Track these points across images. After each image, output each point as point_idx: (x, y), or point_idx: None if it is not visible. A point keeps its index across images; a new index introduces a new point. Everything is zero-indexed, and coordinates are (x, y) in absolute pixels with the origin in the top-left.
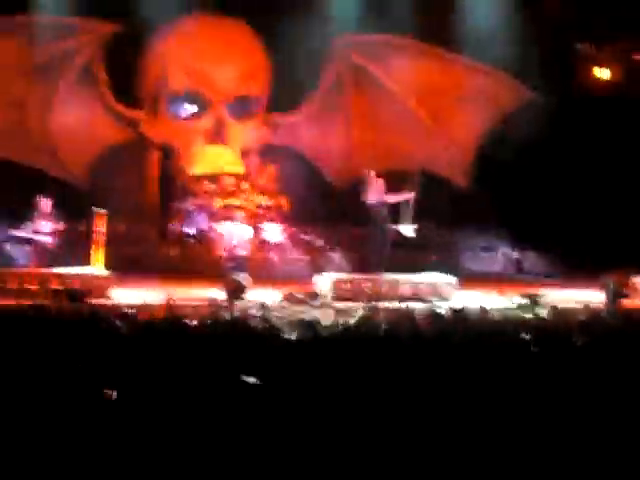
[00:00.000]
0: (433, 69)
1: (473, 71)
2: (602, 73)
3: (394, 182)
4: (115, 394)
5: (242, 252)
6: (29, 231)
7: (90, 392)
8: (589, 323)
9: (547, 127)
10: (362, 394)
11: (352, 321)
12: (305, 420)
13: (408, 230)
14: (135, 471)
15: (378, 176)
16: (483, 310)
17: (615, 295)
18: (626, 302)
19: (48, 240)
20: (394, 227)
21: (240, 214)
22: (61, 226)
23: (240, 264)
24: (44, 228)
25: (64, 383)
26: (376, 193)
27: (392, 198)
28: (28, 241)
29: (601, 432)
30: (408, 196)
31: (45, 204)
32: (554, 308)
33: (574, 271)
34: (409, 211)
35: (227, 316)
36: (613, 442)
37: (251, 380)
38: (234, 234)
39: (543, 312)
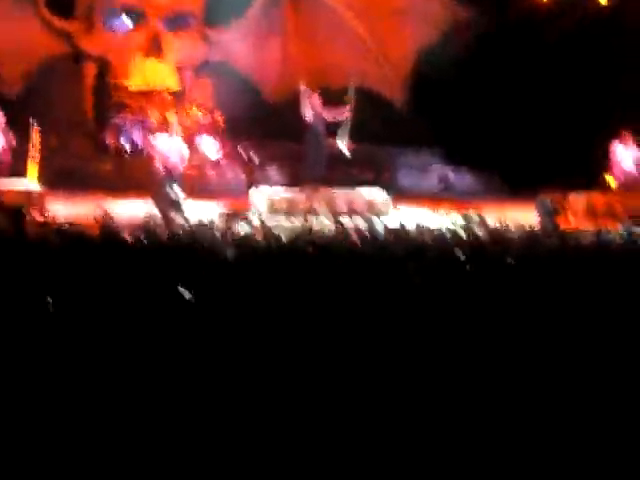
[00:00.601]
0: None
1: None
2: None
3: (331, 98)
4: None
5: (177, 166)
6: None
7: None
8: (523, 242)
9: (482, 46)
10: (293, 310)
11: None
12: (237, 337)
13: (343, 147)
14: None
15: (314, 91)
16: (418, 227)
17: (550, 213)
18: (562, 221)
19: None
20: (330, 142)
21: (175, 128)
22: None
23: (175, 178)
24: None
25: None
26: (312, 108)
27: (328, 114)
28: None
29: (532, 353)
30: (344, 113)
31: None
32: (488, 227)
33: (510, 190)
34: (345, 128)
35: (161, 230)
36: (543, 362)
37: (186, 295)
38: (169, 148)
39: (477, 231)
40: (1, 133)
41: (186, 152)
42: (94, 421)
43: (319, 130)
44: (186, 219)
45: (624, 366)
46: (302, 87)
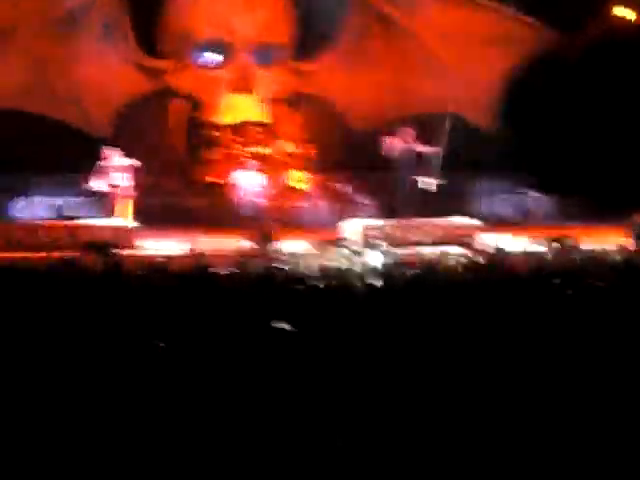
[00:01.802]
0: (454, 12)
1: (496, 14)
2: (625, 13)
3: (422, 126)
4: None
5: (260, 200)
6: (104, 184)
7: (127, 345)
8: (621, 265)
9: (570, 70)
10: (396, 338)
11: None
12: (335, 366)
13: (431, 184)
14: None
15: (405, 123)
16: (515, 253)
17: None
18: None
19: (123, 192)
20: (418, 179)
21: (254, 163)
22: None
23: (258, 211)
24: (118, 181)
25: (98, 336)
26: (404, 141)
27: (420, 148)
28: (103, 194)
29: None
30: (435, 150)
31: (116, 158)
32: (583, 251)
33: (600, 214)
34: (435, 165)
35: (257, 265)
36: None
37: (283, 326)
38: (250, 182)
39: (572, 255)
40: (124, 176)
41: (273, 186)
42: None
43: (410, 162)
44: (281, 252)
45: None
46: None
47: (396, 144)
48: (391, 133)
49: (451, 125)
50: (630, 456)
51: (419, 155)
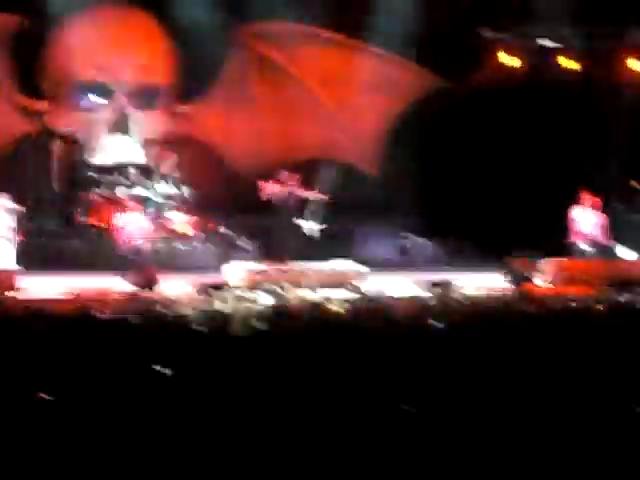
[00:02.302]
0: (339, 57)
1: (378, 58)
2: (507, 59)
3: (301, 170)
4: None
5: (140, 242)
6: None
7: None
8: (502, 310)
9: (453, 114)
10: (273, 384)
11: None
12: (217, 409)
13: (313, 230)
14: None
15: (287, 167)
16: (392, 298)
17: (518, 278)
18: (531, 285)
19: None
20: (300, 223)
21: (133, 204)
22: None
23: (139, 254)
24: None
25: None
26: (284, 186)
27: (301, 192)
28: None
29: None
30: (319, 195)
31: (2, 200)
32: (464, 295)
33: (478, 257)
34: (318, 210)
35: (137, 308)
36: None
37: (164, 371)
38: (131, 224)
39: (452, 299)
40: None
41: (147, 227)
42: None
43: (289, 205)
44: (162, 295)
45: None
46: (279, 172)
47: (277, 188)
48: (273, 177)
49: (333, 170)
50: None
51: (301, 200)
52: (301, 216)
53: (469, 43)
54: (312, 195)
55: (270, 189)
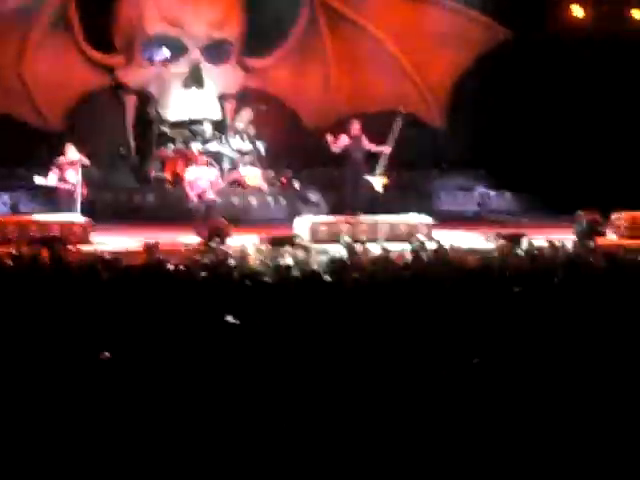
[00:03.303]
0: (407, 10)
1: (446, 10)
2: (576, 11)
3: (370, 123)
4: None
5: (211, 196)
6: (55, 179)
7: (77, 345)
8: (565, 261)
9: (522, 66)
10: (337, 336)
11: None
12: (283, 360)
13: (377, 183)
14: (128, 417)
15: (355, 119)
16: (462, 250)
17: (587, 232)
18: (601, 240)
19: (74, 188)
20: (365, 177)
21: (206, 159)
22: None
23: (211, 208)
24: (70, 177)
25: (49, 336)
26: (352, 137)
27: (369, 146)
28: (54, 189)
29: (583, 371)
30: (385, 149)
31: (70, 152)
32: (532, 247)
33: (551, 212)
34: (383, 163)
35: (207, 260)
36: (591, 378)
37: (232, 320)
38: (204, 178)
39: (522, 252)
40: (75, 171)
41: (218, 181)
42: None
43: (358, 158)
44: (229, 247)
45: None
46: (350, 122)
47: (346, 140)
48: (342, 131)
49: (404, 123)
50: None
51: (370, 152)
52: (370, 170)
53: None
54: (381, 148)
55: (340, 141)
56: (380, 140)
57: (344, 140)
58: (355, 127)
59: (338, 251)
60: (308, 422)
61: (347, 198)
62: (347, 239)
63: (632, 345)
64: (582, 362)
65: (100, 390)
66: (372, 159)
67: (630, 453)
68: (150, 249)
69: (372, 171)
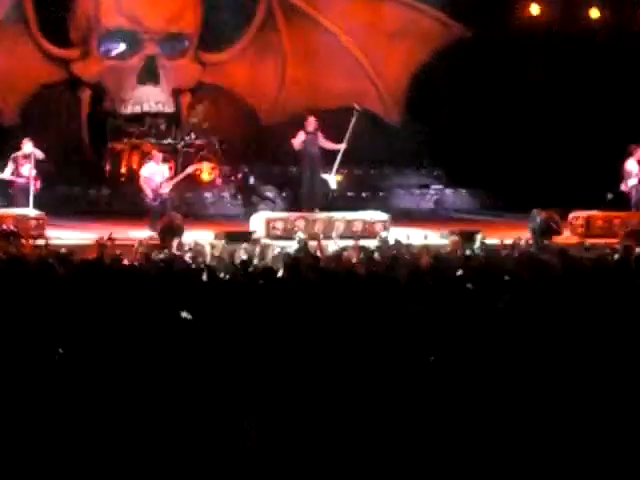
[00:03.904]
0: (365, 6)
1: (404, 7)
2: (535, 9)
3: (326, 120)
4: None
5: (165, 190)
6: (9, 173)
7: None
8: (518, 259)
9: (478, 62)
10: (291, 332)
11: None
12: (237, 354)
13: (332, 181)
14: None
15: (311, 114)
16: (416, 247)
17: (543, 230)
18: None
19: (28, 182)
20: (321, 175)
21: (161, 154)
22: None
23: (164, 203)
24: (25, 170)
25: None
26: (307, 133)
27: (325, 144)
28: (8, 183)
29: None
30: (340, 146)
31: (26, 147)
32: (485, 244)
33: (508, 209)
34: (338, 160)
35: (160, 255)
36: (545, 374)
37: (186, 316)
38: (158, 174)
39: (475, 249)
40: (30, 162)
41: (170, 176)
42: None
43: (314, 155)
44: (183, 244)
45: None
46: (307, 117)
47: (302, 136)
48: (297, 127)
49: (359, 119)
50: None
51: (325, 150)
52: (325, 166)
53: None
54: (336, 146)
55: (298, 138)
56: (337, 137)
57: (301, 136)
58: (311, 123)
59: (292, 247)
60: (259, 416)
61: (303, 195)
62: (301, 236)
63: (585, 340)
64: (534, 357)
65: (55, 386)
66: (328, 156)
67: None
68: (103, 244)
69: (327, 168)
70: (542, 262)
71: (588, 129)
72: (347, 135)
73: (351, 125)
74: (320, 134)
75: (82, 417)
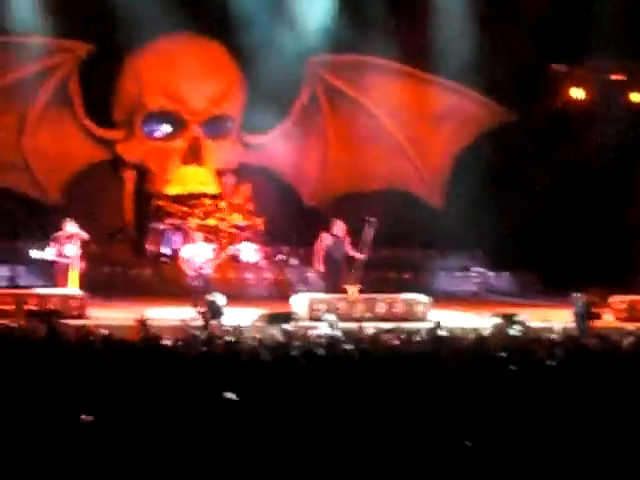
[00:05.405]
0: (408, 89)
1: (448, 90)
2: (576, 93)
3: (369, 202)
4: (91, 418)
5: (207, 271)
6: (52, 253)
7: (68, 417)
8: (561, 342)
9: (521, 146)
10: (337, 414)
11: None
12: (281, 436)
13: (352, 291)
14: None
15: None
16: (460, 330)
17: (584, 315)
18: (601, 322)
19: (72, 262)
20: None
21: (201, 234)
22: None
23: (206, 283)
24: (68, 251)
25: (40, 408)
26: (336, 239)
27: (349, 251)
28: (51, 263)
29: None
30: (360, 256)
31: (68, 226)
32: (527, 327)
33: (550, 292)
34: (358, 270)
35: (202, 336)
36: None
37: (231, 396)
38: (201, 255)
39: (517, 332)
40: (73, 242)
41: (213, 256)
42: None
43: (338, 260)
44: (224, 325)
45: None
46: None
47: (330, 240)
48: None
49: (402, 202)
50: None
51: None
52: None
53: (538, 75)
54: (357, 255)
55: (322, 241)
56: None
57: (327, 240)
58: (339, 227)
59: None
60: None
61: (344, 276)
62: (331, 318)
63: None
64: (580, 442)
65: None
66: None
67: None
68: (144, 324)
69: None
70: (584, 346)
71: (627, 208)
72: (364, 245)
73: (367, 236)
74: (348, 239)
75: None
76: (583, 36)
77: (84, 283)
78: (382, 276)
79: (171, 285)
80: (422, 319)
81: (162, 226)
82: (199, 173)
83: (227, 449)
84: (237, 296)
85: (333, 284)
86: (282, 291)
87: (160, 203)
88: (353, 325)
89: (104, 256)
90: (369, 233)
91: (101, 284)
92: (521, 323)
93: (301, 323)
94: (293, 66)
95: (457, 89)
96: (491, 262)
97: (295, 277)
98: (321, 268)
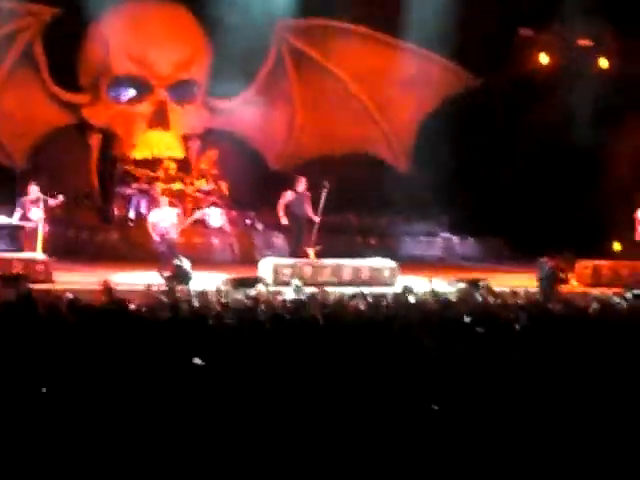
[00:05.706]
0: (374, 54)
1: (414, 56)
2: (544, 58)
3: (335, 166)
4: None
5: (172, 236)
6: (18, 218)
7: (31, 383)
8: (527, 307)
9: (488, 111)
10: (304, 379)
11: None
12: (247, 401)
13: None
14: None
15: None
16: (426, 295)
17: (550, 279)
18: (564, 287)
19: (37, 226)
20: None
21: (167, 198)
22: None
23: (170, 248)
24: (33, 214)
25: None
26: (298, 195)
27: (307, 209)
28: (16, 228)
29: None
30: (315, 218)
31: (33, 191)
32: (493, 292)
33: (515, 257)
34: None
35: (167, 300)
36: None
37: (197, 362)
38: (165, 219)
39: (482, 296)
40: (38, 206)
41: (178, 221)
42: None
43: (300, 215)
44: (190, 289)
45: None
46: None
47: (291, 196)
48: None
49: (368, 167)
50: None
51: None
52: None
53: (506, 40)
54: (312, 216)
55: (283, 198)
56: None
57: (288, 196)
58: (302, 183)
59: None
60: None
61: (294, 246)
62: (297, 282)
63: (588, 390)
64: (541, 406)
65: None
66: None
67: None
68: (109, 288)
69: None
70: (548, 311)
71: (595, 176)
72: (319, 209)
73: (322, 200)
74: (307, 195)
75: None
76: (551, 1)
77: (49, 247)
78: (348, 241)
79: (138, 250)
80: (389, 284)
81: (128, 190)
82: (165, 137)
83: (193, 414)
84: (203, 260)
85: (297, 241)
86: (248, 256)
87: (126, 167)
88: (318, 290)
89: (70, 220)
90: (323, 196)
91: (67, 249)
92: (486, 288)
93: (267, 288)
94: (260, 31)
95: (424, 54)
96: (458, 228)
97: (260, 242)
98: (284, 221)
